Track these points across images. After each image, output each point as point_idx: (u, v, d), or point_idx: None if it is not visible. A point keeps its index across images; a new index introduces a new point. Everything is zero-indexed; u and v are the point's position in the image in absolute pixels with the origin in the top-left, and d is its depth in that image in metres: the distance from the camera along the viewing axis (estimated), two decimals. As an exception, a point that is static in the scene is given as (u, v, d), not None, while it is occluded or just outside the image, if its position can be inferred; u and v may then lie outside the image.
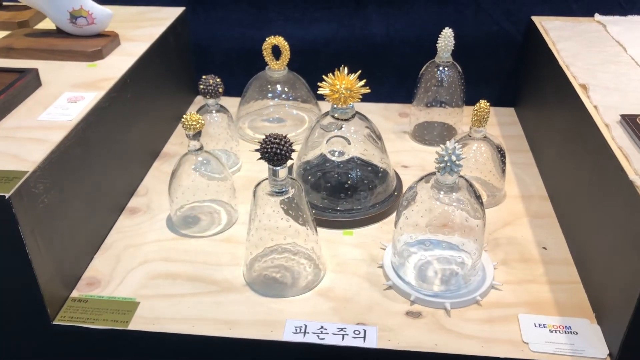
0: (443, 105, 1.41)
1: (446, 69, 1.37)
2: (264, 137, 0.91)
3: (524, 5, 1.48)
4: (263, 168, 0.94)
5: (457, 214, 0.97)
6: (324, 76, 1.11)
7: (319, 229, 1.11)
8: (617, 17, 1.43)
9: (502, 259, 1.07)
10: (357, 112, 1.16)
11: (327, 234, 1.13)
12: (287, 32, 1.50)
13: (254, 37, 1.55)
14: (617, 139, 0.93)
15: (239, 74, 1.55)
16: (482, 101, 1.14)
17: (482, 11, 1.49)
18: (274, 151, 0.89)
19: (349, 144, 1.15)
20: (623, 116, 0.98)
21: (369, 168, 1.18)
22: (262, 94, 1.46)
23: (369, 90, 1.13)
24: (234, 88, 1.52)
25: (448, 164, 0.91)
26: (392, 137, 1.48)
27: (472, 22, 1.51)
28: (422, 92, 1.41)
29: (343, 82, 1.10)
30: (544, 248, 1.09)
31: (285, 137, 0.91)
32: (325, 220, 1.14)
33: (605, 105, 1.04)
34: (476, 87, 1.55)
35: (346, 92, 1.10)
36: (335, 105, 1.13)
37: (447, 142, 0.91)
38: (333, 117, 1.15)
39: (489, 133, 1.19)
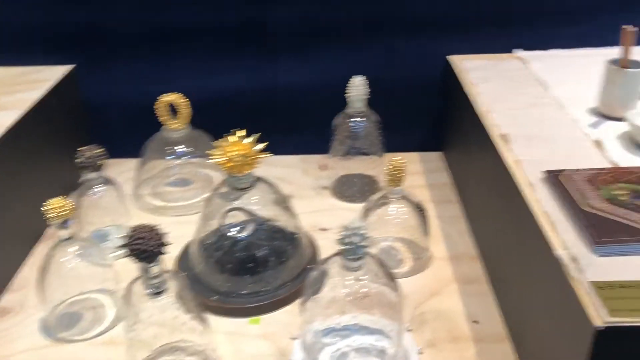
0: (362, 155, 1.29)
1: (360, 119, 1.25)
2: (130, 230, 0.76)
3: (440, 44, 1.39)
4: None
5: (370, 294, 0.84)
6: (213, 143, 0.98)
7: (221, 318, 0.96)
8: (538, 52, 1.35)
9: (429, 340, 0.93)
10: (259, 178, 1.03)
11: (231, 324, 0.98)
12: (192, 85, 1.36)
13: (155, 92, 1.39)
14: (541, 201, 0.82)
15: (141, 134, 1.39)
16: (394, 159, 1.03)
17: (397, 54, 1.39)
18: (141, 248, 0.74)
19: (251, 216, 1.01)
20: (548, 172, 0.87)
21: (276, 242, 1.04)
22: (162, 155, 1.31)
23: (269, 155, 0.99)
24: (136, 149, 1.36)
25: (351, 247, 0.78)
26: (311, 194, 1.35)
27: (387, 66, 1.41)
28: (338, 144, 1.28)
29: (236, 148, 0.96)
30: (475, 322, 0.97)
31: (154, 229, 0.76)
32: (228, 308, 0.99)
33: (528, 159, 0.93)
34: (401, 133, 1.45)
35: (242, 159, 0.96)
36: (231, 174, 0.99)
37: (351, 221, 0.78)
38: (230, 187, 1.00)
39: (417, 184, 1.07)
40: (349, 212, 1.25)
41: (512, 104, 1.12)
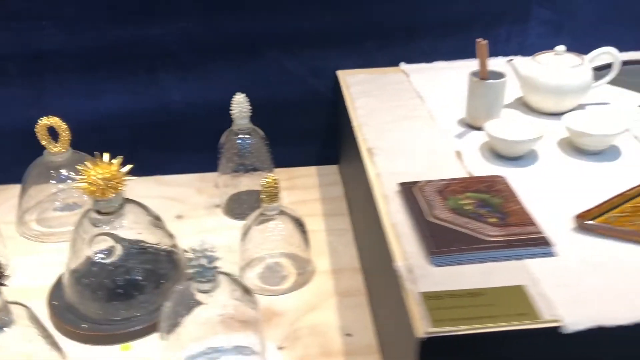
0: (252, 172, 1.28)
1: (246, 136, 1.24)
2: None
3: (329, 60, 1.40)
4: (43, 274, 0.75)
5: (230, 314, 0.83)
6: (77, 166, 0.96)
7: (91, 347, 0.93)
8: (421, 65, 1.38)
9: (300, 356, 0.93)
10: (128, 200, 1.01)
11: (102, 352, 0.95)
12: (74, 107, 1.33)
13: (37, 116, 1.36)
14: (392, 213, 0.83)
15: (24, 159, 1.34)
16: (268, 177, 1.03)
17: (286, 70, 1.40)
18: (-29, 282, 0.71)
19: (118, 240, 0.99)
20: (402, 185, 0.89)
21: (149, 265, 1.02)
22: (45, 180, 1.27)
23: (133, 179, 0.98)
24: (20, 175, 1.32)
25: (200, 269, 0.77)
26: (202, 213, 1.33)
27: (278, 82, 1.41)
28: (226, 161, 1.28)
29: (99, 171, 0.94)
30: (349, 335, 0.97)
31: (-12, 261, 0.73)
32: (99, 336, 0.96)
33: (390, 171, 0.94)
34: (298, 147, 1.46)
35: (104, 183, 0.94)
36: (96, 199, 0.96)
37: (199, 242, 0.77)
38: (97, 211, 0.98)
39: (311, 197, 1.07)
40: (239, 230, 1.24)
41: (386, 117, 1.14)
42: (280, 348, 0.94)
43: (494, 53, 1.26)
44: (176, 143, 1.45)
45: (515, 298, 0.67)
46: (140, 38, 1.34)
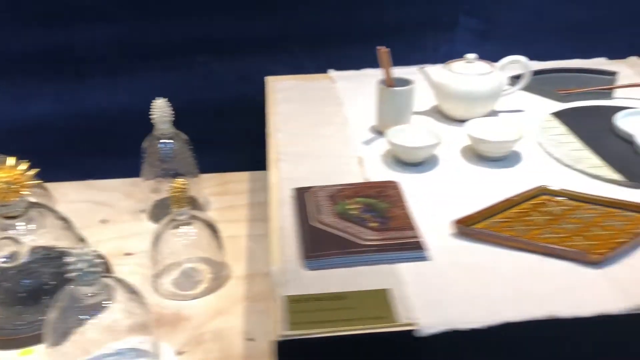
0: (176, 177, 1.29)
1: (168, 140, 1.25)
2: None
3: (259, 65, 1.41)
4: None
5: (120, 318, 0.83)
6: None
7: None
8: (350, 72, 1.40)
9: (199, 361, 0.93)
10: (35, 204, 1.00)
11: (2, 357, 0.95)
12: (1, 112, 1.33)
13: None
14: (281, 218, 0.84)
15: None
16: (176, 181, 1.03)
17: (216, 75, 1.41)
18: None
19: (22, 245, 0.99)
20: (296, 190, 0.90)
21: (53, 269, 1.02)
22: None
23: (38, 182, 0.98)
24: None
25: (80, 273, 0.77)
26: (126, 218, 1.33)
27: (208, 87, 1.42)
28: (148, 167, 1.28)
29: (1, 175, 0.94)
30: (251, 339, 0.98)
31: None
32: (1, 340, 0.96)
33: (293, 177, 0.95)
34: (229, 152, 1.46)
35: (6, 186, 0.94)
36: (-2, 202, 0.96)
37: (78, 248, 0.78)
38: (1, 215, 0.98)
39: (239, 203, 1.09)
40: (161, 235, 1.25)
41: (303, 123, 1.15)
42: (180, 353, 0.95)
43: (422, 61, 1.28)
44: (107, 148, 1.45)
45: (377, 301, 0.68)
46: (69, 43, 1.34)
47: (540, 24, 1.46)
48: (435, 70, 1.14)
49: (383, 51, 1.02)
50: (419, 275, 0.72)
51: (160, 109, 1.22)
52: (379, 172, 0.96)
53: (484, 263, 0.75)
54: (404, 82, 1.07)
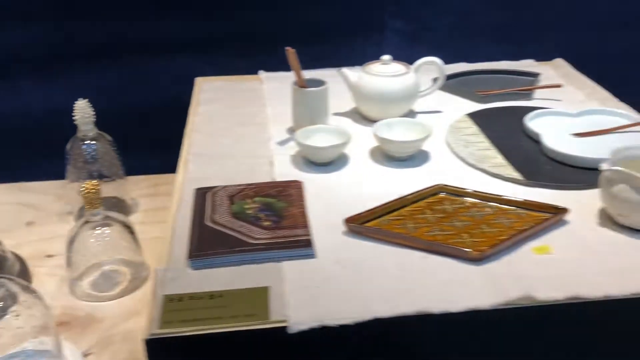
0: (102, 179, 1.28)
1: (91, 142, 1.24)
2: None
3: (191, 67, 1.42)
4: None
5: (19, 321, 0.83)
6: None
7: None
8: (281, 74, 1.40)
9: (105, 362, 0.93)
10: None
11: None
12: None
13: None
14: (179, 218, 0.85)
15: None
16: (87, 183, 1.02)
17: (147, 76, 1.41)
18: None
19: None
20: (197, 190, 0.90)
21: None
22: None
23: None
24: None
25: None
26: (54, 220, 1.32)
27: (140, 88, 1.42)
28: (73, 169, 1.27)
29: None
30: (160, 340, 0.97)
31: None
32: None
33: (199, 177, 0.96)
34: (162, 154, 1.45)
35: None
36: None
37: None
38: None
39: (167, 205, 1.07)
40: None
41: (223, 123, 1.16)
42: (87, 354, 0.94)
43: (353, 62, 1.29)
44: (37, 149, 1.44)
45: (254, 299, 0.68)
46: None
47: (469, 26, 1.48)
48: (352, 72, 1.15)
49: (290, 52, 1.03)
50: (302, 273, 0.73)
51: (82, 110, 1.21)
52: (288, 172, 0.97)
53: (368, 260, 0.76)
54: (318, 83, 1.08)
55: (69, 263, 1.09)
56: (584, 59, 1.52)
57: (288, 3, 1.40)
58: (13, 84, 1.38)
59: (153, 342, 0.64)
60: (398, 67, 1.14)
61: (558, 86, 1.26)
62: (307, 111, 1.07)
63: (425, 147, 1.05)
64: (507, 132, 1.09)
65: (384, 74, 1.12)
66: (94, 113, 1.23)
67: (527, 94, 1.26)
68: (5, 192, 1.40)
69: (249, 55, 1.44)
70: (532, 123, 1.10)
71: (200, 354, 0.66)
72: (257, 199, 0.87)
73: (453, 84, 1.32)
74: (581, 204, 0.87)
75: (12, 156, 1.45)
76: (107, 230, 1.08)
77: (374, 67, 1.14)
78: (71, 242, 1.09)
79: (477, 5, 1.47)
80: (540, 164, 0.98)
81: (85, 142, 1.25)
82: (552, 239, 0.80)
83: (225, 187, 0.90)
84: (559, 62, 1.44)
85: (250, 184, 0.91)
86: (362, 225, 0.81)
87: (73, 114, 1.22)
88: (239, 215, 0.83)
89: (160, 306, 0.68)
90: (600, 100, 1.23)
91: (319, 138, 1.02)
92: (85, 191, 1.04)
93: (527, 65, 1.44)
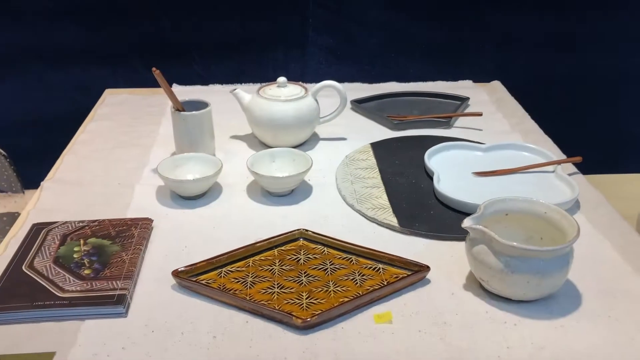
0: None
1: (-20, 156, 1.17)
2: None
3: (101, 78, 1.34)
4: None
5: None
6: None
7: None
8: (197, 87, 1.31)
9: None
10: None
11: None
12: None
13: None
14: (7, 258, 0.77)
15: None
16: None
17: (52, 86, 1.33)
18: None
19: None
20: (35, 225, 0.82)
21: None
22: None
23: None
24: None
25: None
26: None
27: (45, 97, 1.34)
28: (-39, 183, 1.20)
29: None
30: None
31: None
32: None
33: (49, 207, 0.88)
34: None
35: None
36: None
37: None
38: None
39: None
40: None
41: (104, 144, 1.08)
42: None
43: (273, 78, 1.20)
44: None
45: (32, 368, 0.60)
46: None
47: (401, 44, 1.38)
48: (245, 94, 1.06)
49: (157, 73, 0.94)
50: (98, 337, 0.64)
51: (-33, 123, 1.14)
52: (145, 207, 0.88)
53: (184, 323, 0.67)
54: (201, 105, 0.99)
55: None
56: (527, 80, 1.42)
57: (210, 14, 1.31)
58: None
59: None
60: (295, 90, 1.05)
61: (479, 114, 1.15)
62: (186, 136, 0.98)
63: (313, 180, 0.96)
64: (406, 167, 1.00)
65: (276, 98, 1.02)
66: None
67: (446, 122, 1.16)
68: None
69: (159, 67, 1.35)
70: (435, 158, 1.00)
71: None
72: (90, 240, 0.79)
73: (371, 107, 1.22)
74: (455, 259, 0.77)
75: None
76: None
77: (268, 89, 1.05)
78: None
79: (412, 23, 1.36)
80: (425, 208, 0.88)
81: (-27, 156, 1.18)
82: (404, 302, 0.71)
83: (65, 223, 0.82)
84: (496, 85, 1.33)
85: (93, 221, 0.83)
86: (190, 278, 0.72)
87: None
88: (61, 261, 0.74)
89: None
90: (523, 133, 1.13)
91: (189, 168, 0.93)
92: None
93: (463, 86, 1.34)
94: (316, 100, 1.06)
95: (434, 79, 1.36)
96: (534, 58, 1.42)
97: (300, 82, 1.09)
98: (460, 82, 1.36)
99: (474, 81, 1.37)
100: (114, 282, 0.71)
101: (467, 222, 0.70)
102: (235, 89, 1.06)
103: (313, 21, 1.32)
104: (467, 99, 1.25)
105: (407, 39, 1.38)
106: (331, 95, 1.09)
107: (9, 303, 0.67)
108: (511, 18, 1.39)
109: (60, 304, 0.67)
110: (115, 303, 0.68)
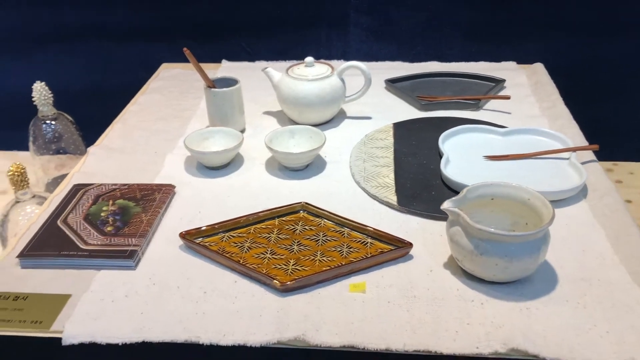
0: (64, 154, 1.37)
1: (52, 121, 1.32)
2: None
3: (156, 53, 1.45)
4: None
5: None
6: None
7: None
8: (244, 64, 1.39)
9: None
10: None
11: None
12: None
13: None
14: (43, 215, 0.89)
15: None
16: (12, 165, 1.10)
17: (116, 60, 1.46)
18: None
19: None
20: (75, 186, 0.94)
21: None
22: None
23: None
24: None
25: None
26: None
27: (109, 70, 1.47)
28: (36, 146, 1.36)
29: None
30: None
31: None
32: None
33: (93, 171, 0.99)
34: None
35: None
36: None
37: None
38: None
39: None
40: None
41: (151, 115, 1.18)
42: None
43: (316, 56, 1.27)
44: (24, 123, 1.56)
45: (50, 306, 0.71)
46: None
47: (442, 24, 1.39)
48: (277, 72, 1.12)
49: (187, 52, 1.02)
50: (108, 285, 0.75)
51: (39, 93, 1.29)
52: (172, 174, 0.98)
53: (181, 279, 0.76)
54: (231, 83, 1.07)
55: (2, 241, 1.19)
56: (572, 62, 1.38)
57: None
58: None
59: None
60: (322, 70, 1.10)
61: (507, 97, 1.15)
62: (217, 111, 1.07)
63: (329, 157, 1.02)
64: (421, 147, 1.03)
65: (302, 77, 1.08)
66: (52, 95, 1.30)
67: (475, 104, 1.17)
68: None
69: (206, 44, 1.45)
70: (452, 140, 1.02)
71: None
72: (118, 201, 0.89)
73: (405, 87, 1.25)
74: (443, 239, 0.81)
75: (5, 127, 1.57)
76: (36, 209, 1.15)
77: (296, 68, 1.11)
78: (3, 220, 1.17)
79: (454, 3, 1.36)
80: (428, 189, 0.92)
81: (46, 122, 1.33)
82: (382, 275, 0.75)
83: (100, 185, 0.93)
84: (537, 67, 1.31)
85: (124, 184, 0.94)
86: (194, 240, 0.81)
87: (32, 96, 1.30)
88: (90, 218, 0.86)
89: (-29, 302, 0.73)
90: (551, 118, 1.11)
91: (215, 141, 1.01)
92: (11, 173, 1.11)
93: (505, 67, 1.33)
94: (342, 80, 1.11)
95: (476, 60, 1.36)
96: (580, 41, 1.38)
97: (327, 62, 1.14)
98: (504, 64, 1.35)
99: (518, 62, 1.35)
100: (129, 239, 0.81)
101: (446, 204, 0.74)
102: (266, 68, 1.13)
103: (354, 1, 1.35)
104: (503, 81, 1.25)
105: (450, 18, 1.38)
106: (362, 75, 1.13)
107: (41, 251, 0.79)
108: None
109: (81, 254, 0.78)
110: (127, 257, 0.78)
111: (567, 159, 0.96)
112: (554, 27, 1.36)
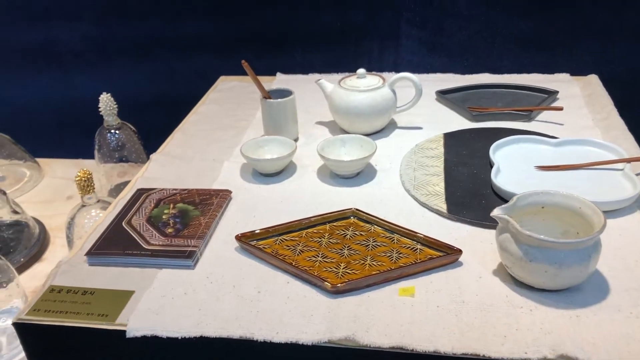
0: (126, 163, 1.44)
1: (116, 131, 1.40)
2: None
3: (215, 65, 1.51)
4: None
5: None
6: None
7: None
8: (297, 76, 1.43)
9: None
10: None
11: None
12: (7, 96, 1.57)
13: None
14: (109, 215, 0.95)
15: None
16: (80, 170, 1.17)
17: (176, 72, 1.53)
18: None
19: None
20: (138, 190, 0.99)
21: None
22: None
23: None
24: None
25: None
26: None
27: (170, 81, 1.54)
28: (101, 155, 1.44)
29: None
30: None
31: None
32: None
33: (153, 176, 1.05)
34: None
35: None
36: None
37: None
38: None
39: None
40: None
41: (209, 125, 1.24)
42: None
43: (368, 68, 1.30)
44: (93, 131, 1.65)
45: (116, 301, 0.76)
46: (52, 40, 1.54)
47: (494, 35, 1.39)
48: (329, 84, 1.16)
49: (245, 65, 1.07)
50: (169, 282, 0.79)
51: (105, 103, 1.36)
52: (229, 181, 1.02)
53: (236, 279, 0.79)
54: (286, 94, 1.11)
55: (69, 241, 1.26)
56: (630, 73, 1.36)
57: (308, 6, 1.43)
58: (68, 74, 1.58)
59: (17, 325, 0.74)
60: (373, 81, 1.13)
61: (559, 109, 1.15)
62: (272, 121, 1.11)
63: (379, 166, 1.04)
64: (472, 157, 1.04)
65: (354, 88, 1.11)
66: (117, 105, 1.38)
67: (526, 115, 1.17)
68: (64, 167, 1.62)
69: (269, 56, 1.50)
70: (503, 150, 1.03)
71: (52, 342, 0.76)
72: (178, 205, 0.94)
73: (456, 98, 1.26)
74: (493, 247, 0.81)
75: (72, 136, 1.67)
76: (100, 213, 1.22)
77: (348, 80, 1.14)
78: (70, 222, 1.25)
79: (506, 14, 1.36)
80: (478, 197, 0.93)
81: (110, 131, 1.41)
82: (431, 280, 0.77)
83: (162, 189, 0.99)
84: (592, 79, 1.30)
85: (184, 189, 0.98)
86: (249, 243, 0.84)
87: (98, 106, 1.38)
88: (152, 220, 0.91)
89: (41, 295, 0.78)
90: (605, 129, 1.10)
91: (270, 149, 1.05)
92: (78, 178, 1.18)
93: (558, 79, 1.33)
94: (393, 91, 1.13)
95: (529, 72, 1.36)
96: (638, 49, 1.36)
97: (379, 74, 1.16)
98: (557, 75, 1.34)
99: (572, 74, 1.34)
100: (189, 240, 0.85)
101: (496, 211, 0.75)
102: (320, 79, 1.17)
103: (406, 14, 1.38)
104: (556, 92, 1.24)
105: (502, 30, 1.38)
106: (413, 86, 1.15)
107: (108, 250, 0.84)
108: (612, 5, 1.34)
109: (144, 254, 0.83)
110: (187, 257, 0.82)
111: (621, 169, 0.95)
112: (609, 36, 1.35)
